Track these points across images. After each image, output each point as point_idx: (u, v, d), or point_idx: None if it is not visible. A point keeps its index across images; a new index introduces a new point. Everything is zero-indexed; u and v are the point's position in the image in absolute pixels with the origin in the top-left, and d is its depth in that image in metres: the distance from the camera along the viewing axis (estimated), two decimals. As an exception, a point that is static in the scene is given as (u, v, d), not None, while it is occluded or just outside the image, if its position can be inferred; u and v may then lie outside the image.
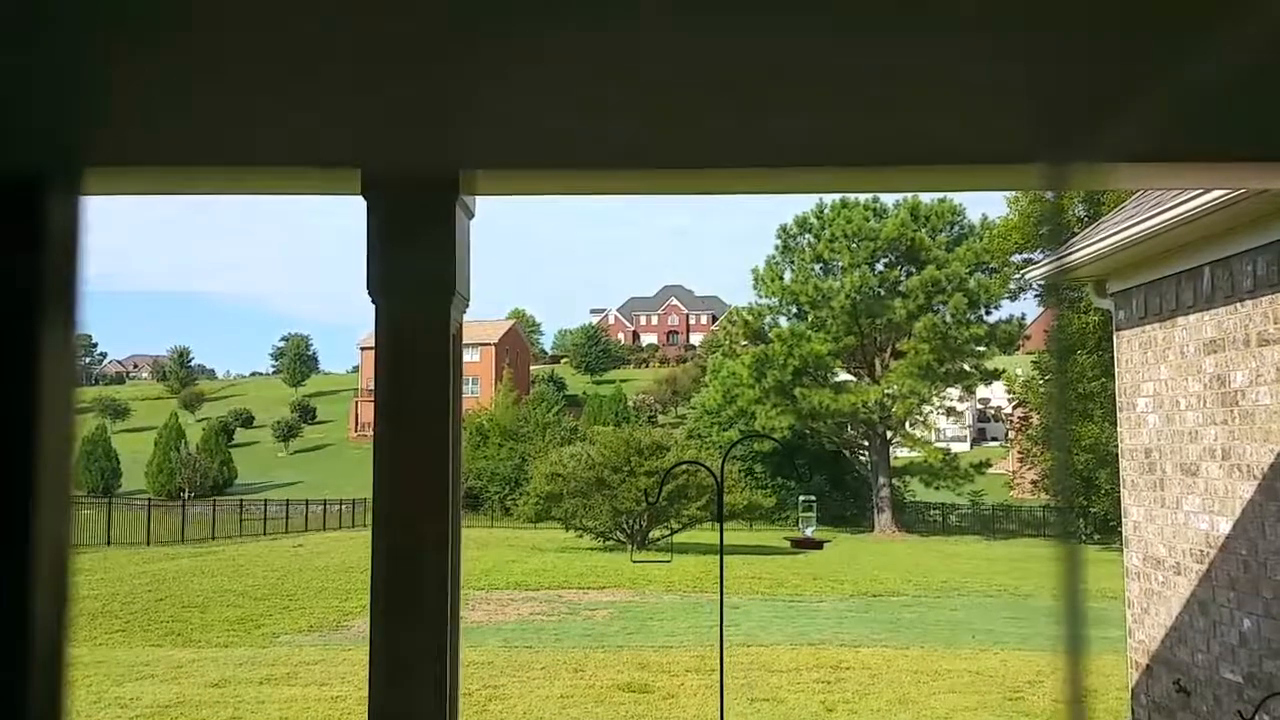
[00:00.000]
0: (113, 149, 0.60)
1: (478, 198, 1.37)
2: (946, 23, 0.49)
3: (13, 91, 0.52)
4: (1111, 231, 6.72)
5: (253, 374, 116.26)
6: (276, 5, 0.47)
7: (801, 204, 44.36)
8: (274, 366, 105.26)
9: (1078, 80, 0.57)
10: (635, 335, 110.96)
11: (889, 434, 42.33)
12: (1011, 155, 0.79)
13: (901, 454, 44.40)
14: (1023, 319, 42.64)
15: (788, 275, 42.32)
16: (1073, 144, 0.64)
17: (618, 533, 27.39)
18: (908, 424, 42.55)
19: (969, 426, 72.53)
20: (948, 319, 39.96)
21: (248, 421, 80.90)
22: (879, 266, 41.32)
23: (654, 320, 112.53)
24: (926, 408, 42.71)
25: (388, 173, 1.12)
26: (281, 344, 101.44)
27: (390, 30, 0.49)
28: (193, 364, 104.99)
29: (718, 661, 7.30)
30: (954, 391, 43.97)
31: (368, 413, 70.45)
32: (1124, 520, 7.51)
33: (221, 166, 0.60)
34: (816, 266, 42.01)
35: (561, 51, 0.51)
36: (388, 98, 0.57)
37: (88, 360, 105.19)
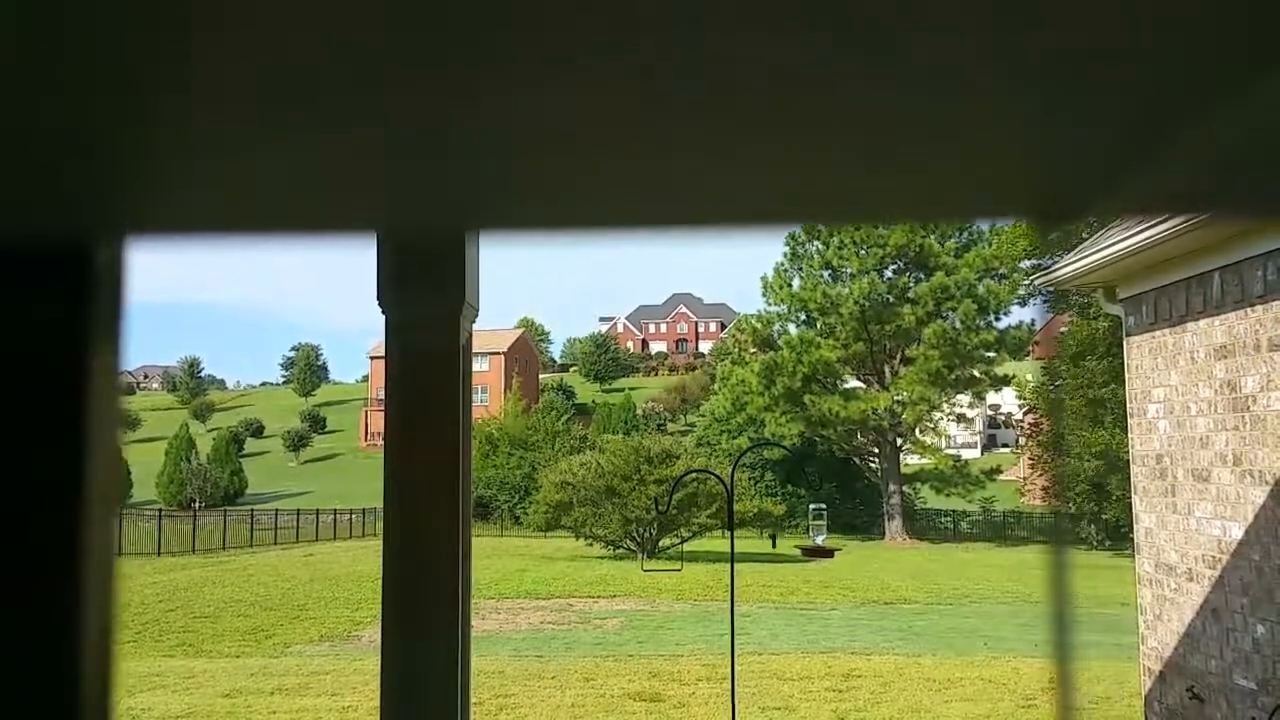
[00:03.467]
0: (153, 218, 0.67)
1: None
2: (944, 72, 0.49)
3: (65, 158, 0.57)
4: (1121, 237, 6.71)
5: (263, 384, 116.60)
6: (308, 77, 0.49)
7: (810, 211, 44.34)
8: (284, 376, 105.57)
9: (1081, 137, 0.58)
10: (644, 343, 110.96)
11: (899, 441, 42.21)
12: (1011, 211, 0.81)
13: (912, 461, 44.27)
14: (1032, 325, 42.53)
15: (796, 282, 42.30)
16: (1074, 199, 0.65)
17: (628, 541, 27.36)
18: (918, 431, 42.42)
19: (979, 433, 72.31)
20: (957, 325, 39.87)
21: (258, 431, 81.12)
22: (888, 273, 41.26)
23: (663, 328, 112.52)
24: (936, 414, 42.57)
25: (400, 233, 1.15)
26: (291, 354, 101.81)
27: (404, 100, 0.52)
28: (203, 374, 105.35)
29: (729, 670, 7.28)
30: (964, 398, 43.83)
31: (378, 422, 70.58)
32: (1135, 526, 7.48)
33: (251, 234, 0.65)
34: (825, 273, 41.97)
35: (561, 117, 0.53)
36: (403, 169, 0.61)
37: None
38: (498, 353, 73.64)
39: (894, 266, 41.28)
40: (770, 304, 43.11)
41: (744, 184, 0.61)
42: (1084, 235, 8.54)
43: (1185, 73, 0.48)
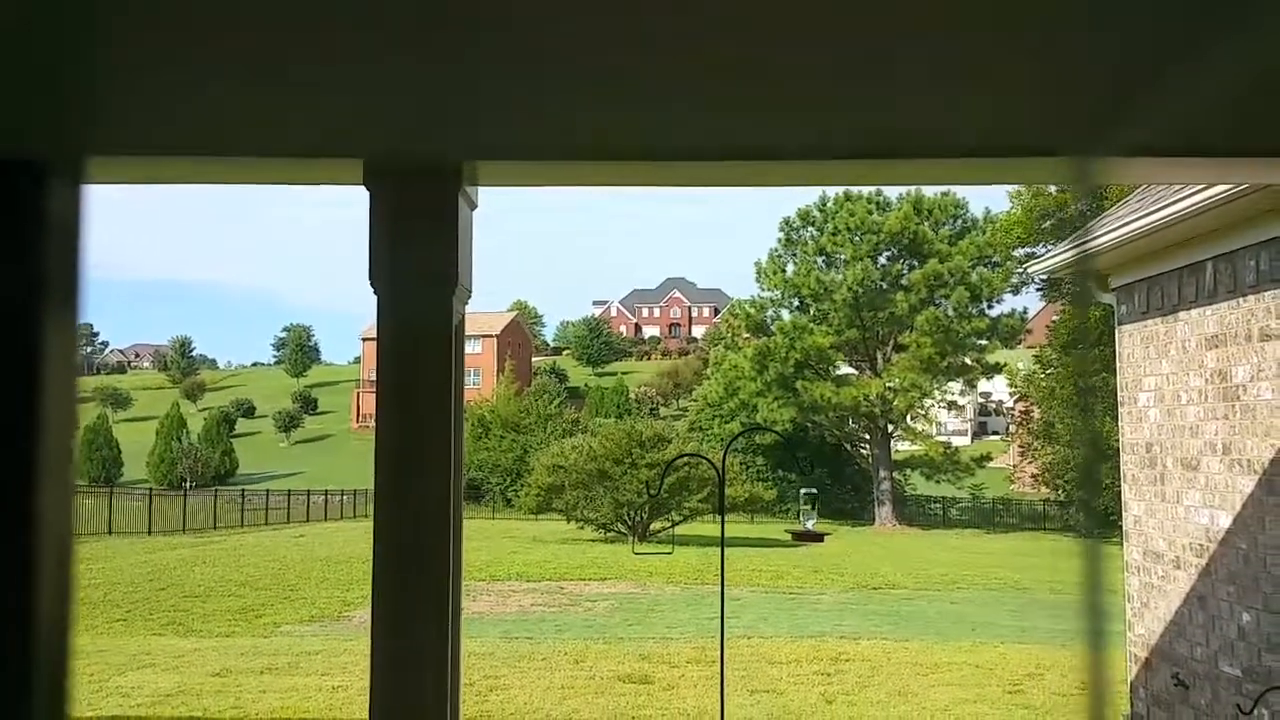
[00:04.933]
0: (116, 137, 0.61)
1: (480, 189, 1.37)
2: (968, 15, 0.49)
3: (16, 76, 0.53)
4: (1114, 227, 6.72)
5: (254, 364, 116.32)
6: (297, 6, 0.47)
7: (804, 196, 44.33)
8: (275, 357, 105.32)
9: (1098, 75, 0.57)
10: (637, 327, 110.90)
11: (890, 427, 42.32)
12: (1031, 149, 0.79)
13: (902, 447, 44.40)
14: (1024, 313, 42.65)
15: (790, 268, 42.29)
16: (1093, 138, 0.64)
17: (619, 524, 27.42)
18: (909, 417, 42.53)
19: (970, 420, 72.53)
20: (950, 313, 39.92)
21: (249, 412, 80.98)
22: (881, 260, 41.27)
23: (656, 313, 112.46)
24: (928, 401, 42.68)
25: (390, 163, 1.13)
26: (283, 334, 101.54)
27: (392, 19, 0.50)
28: (194, 353, 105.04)
29: (718, 653, 7.32)
30: (955, 385, 43.95)
31: (369, 404, 70.52)
32: (1124, 514, 7.52)
33: (224, 157, 0.61)
34: (819, 259, 41.97)
35: (562, 41, 0.51)
36: (389, 88, 0.58)
37: (89, 349, 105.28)
38: (490, 335, 73.53)
39: (888, 253, 41.28)
40: (764, 289, 43.13)
41: (753, 119, 0.59)
42: (1077, 225, 8.54)
43: (1185, 15, 0.47)
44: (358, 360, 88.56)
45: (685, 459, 23.83)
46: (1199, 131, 0.69)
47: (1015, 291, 40.94)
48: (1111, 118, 0.62)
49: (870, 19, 0.52)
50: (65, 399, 0.56)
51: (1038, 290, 39.69)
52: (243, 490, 39.86)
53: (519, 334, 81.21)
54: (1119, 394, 7.55)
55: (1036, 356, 39.74)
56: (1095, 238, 6.99)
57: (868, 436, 43.13)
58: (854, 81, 0.60)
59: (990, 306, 40.85)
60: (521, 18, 0.50)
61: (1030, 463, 40.33)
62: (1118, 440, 7.59)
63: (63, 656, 0.57)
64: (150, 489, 37.13)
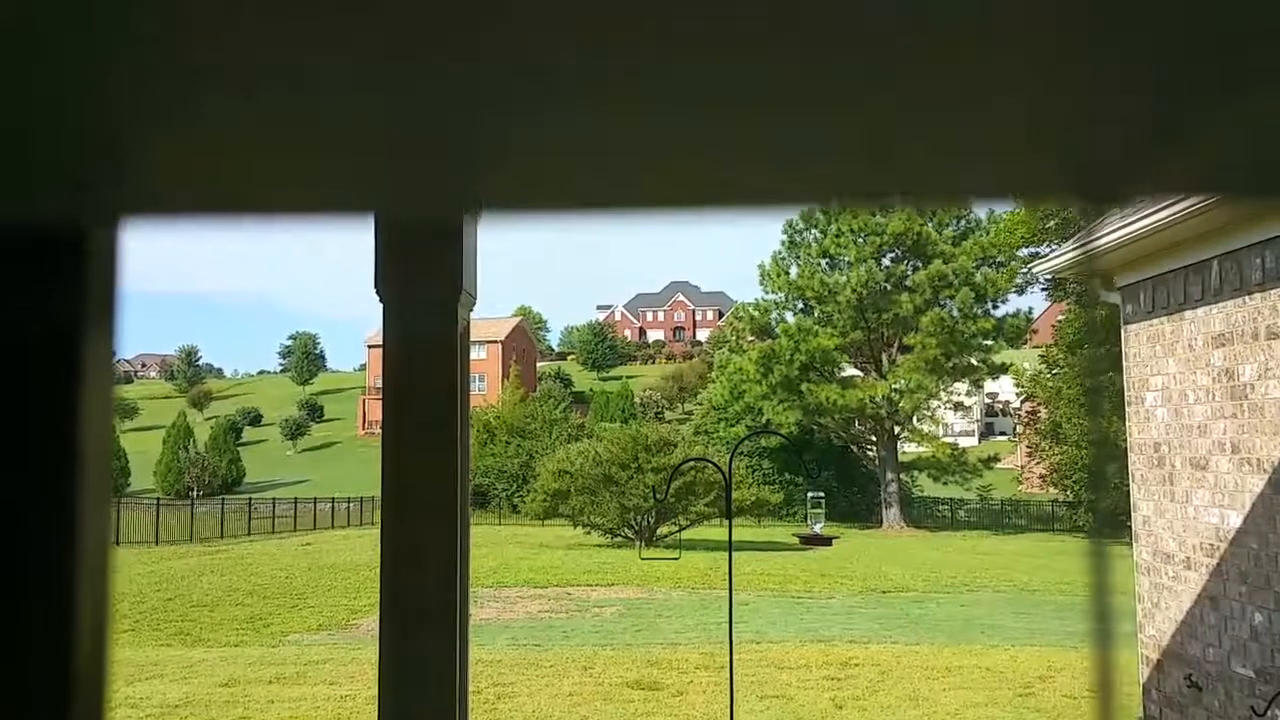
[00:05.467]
0: (150, 201, 0.67)
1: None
2: (975, 57, 0.49)
3: (57, 144, 0.57)
4: (1117, 226, 6.70)
5: (260, 372, 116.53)
6: (303, 58, 0.50)
7: (807, 199, 44.25)
8: (282, 365, 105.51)
9: (1112, 119, 0.56)
10: (642, 331, 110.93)
11: (896, 429, 42.25)
12: (1039, 192, 0.79)
13: (909, 449, 44.32)
14: (1030, 313, 42.56)
15: (794, 270, 42.25)
16: (1103, 183, 0.64)
17: (625, 529, 27.39)
18: (915, 419, 42.44)
19: (977, 421, 72.41)
20: (955, 313, 39.85)
21: (256, 420, 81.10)
22: (885, 261, 41.22)
23: (660, 316, 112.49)
24: (934, 402, 42.59)
25: (398, 216, 1.15)
26: (289, 342, 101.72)
27: (404, 84, 0.51)
28: (200, 362, 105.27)
29: (727, 658, 7.29)
30: (961, 386, 43.86)
31: (375, 410, 70.60)
32: (1133, 515, 7.49)
33: (247, 216, 0.65)
34: (823, 261, 41.93)
35: (562, 93, 0.52)
36: (402, 153, 0.60)
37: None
38: (495, 341, 73.61)
39: (892, 254, 41.24)
40: (768, 292, 43.08)
41: (750, 166, 0.59)
42: (1081, 224, 8.52)
43: (1220, 52, 0.46)
44: (363, 367, 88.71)
45: (691, 463, 23.80)
46: (1213, 173, 0.69)
47: (1020, 291, 40.87)
48: (1122, 164, 0.62)
49: (874, 94, 0.52)
50: (103, 421, 0.60)
51: (1043, 290, 39.64)
52: (250, 498, 39.88)
53: (524, 339, 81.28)
54: (1126, 394, 7.52)
55: (1043, 356, 39.66)
56: (1099, 237, 6.97)
57: (874, 438, 43.06)
58: (855, 155, 0.60)
59: (995, 307, 40.78)
60: (525, 78, 0.52)
61: (1038, 463, 40.26)
62: (1125, 440, 7.56)
63: (101, 666, 0.61)
64: (157, 498, 37.17)
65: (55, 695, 0.58)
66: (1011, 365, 41.62)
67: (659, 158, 0.59)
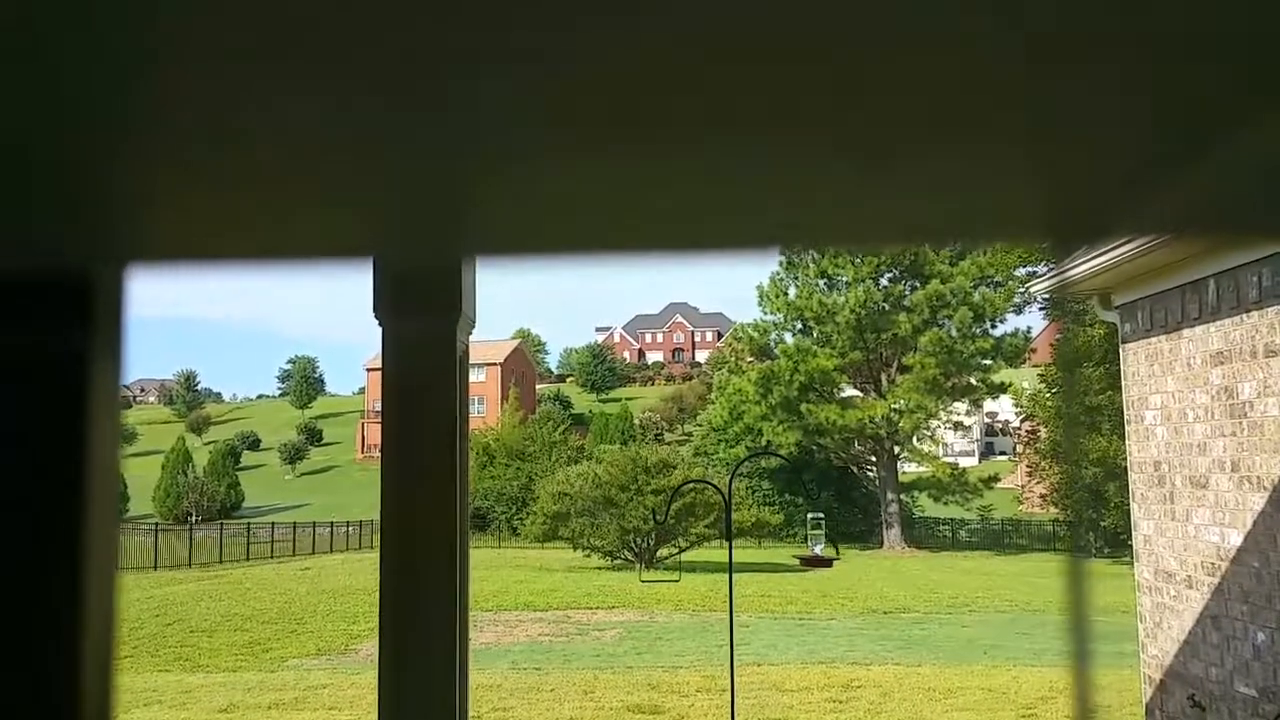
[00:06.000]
0: (155, 246, 0.69)
1: None
2: (960, 97, 0.49)
3: (67, 190, 0.59)
4: (1113, 245, 6.72)
5: (259, 396, 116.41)
6: (309, 123, 0.50)
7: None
8: (281, 389, 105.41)
9: (1083, 160, 0.57)
10: (641, 353, 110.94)
11: (896, 449, 42.20)
12: (1011, 233, 0.81)
13: (909, 469, 44.24)
14: (1028, 332, 42.60)
15: (792, 291, 42.32)
16: (1085, 225, 0.65)
17: (626, 552, 27.30)
18: (915, 439, 42.40)
19: (976, 441, 72.31)
20: (953, 333, 39.90)
21: (254, 444, 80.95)
22: (883, 281, 41.30)
23: (659, 338, 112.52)
24: (933, 422, 42.57)
25: (397, 259, 1.17)
26: (288, 366, 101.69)
27: (405, 135, 0.52)
28: (199, 387, 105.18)
29: (728, 681, 7.26)
30: (961, 405, 43.85)
31: (374, 434, 70.47)
32: (1134, 533, 7.47)
33: (250, 260, 0.67)
34: (821, 282, 42.01)
35: (561, 143, 0.53)
36: (401, 202, 0.62)
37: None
38: (494, 363, 73.59)
39: (889, 274, 41.32)
40: (766, 313, 43.15)
41: (751, 208, 0.61)
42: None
43: (1198, 100, 0.47)
44: (362, 390, 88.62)
45: (691, 485, 23.76)
46: (1201, 213, 0.70)
47: (1018, 311, 40.93)
48: (1104, 207, 0.63)
49: (844, 136, 0.53)
50: (110, 451, 0.62)
51: (1040, 309, 39.72)
52: (248, 523, 39.76)
53: (523, 361, 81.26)
54: (1125, 412, 7.53)
55: (1041, 375, 39.67)
56: (1095, 256, 6.99)
57: (874, 459, 42.99)
58: (825, 198, 0.61)
59: (993, 326, 40.84)
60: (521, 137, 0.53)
61: (1038, 482, 40.17)
62: (1125, 459, 7.55)
63: (107, 690, 0.62)
64: (156, 523, 37.06)
65: (62, 718, 0.59)
66: (1010, 384, 41.61)
67: (654, 204, 0.61)
